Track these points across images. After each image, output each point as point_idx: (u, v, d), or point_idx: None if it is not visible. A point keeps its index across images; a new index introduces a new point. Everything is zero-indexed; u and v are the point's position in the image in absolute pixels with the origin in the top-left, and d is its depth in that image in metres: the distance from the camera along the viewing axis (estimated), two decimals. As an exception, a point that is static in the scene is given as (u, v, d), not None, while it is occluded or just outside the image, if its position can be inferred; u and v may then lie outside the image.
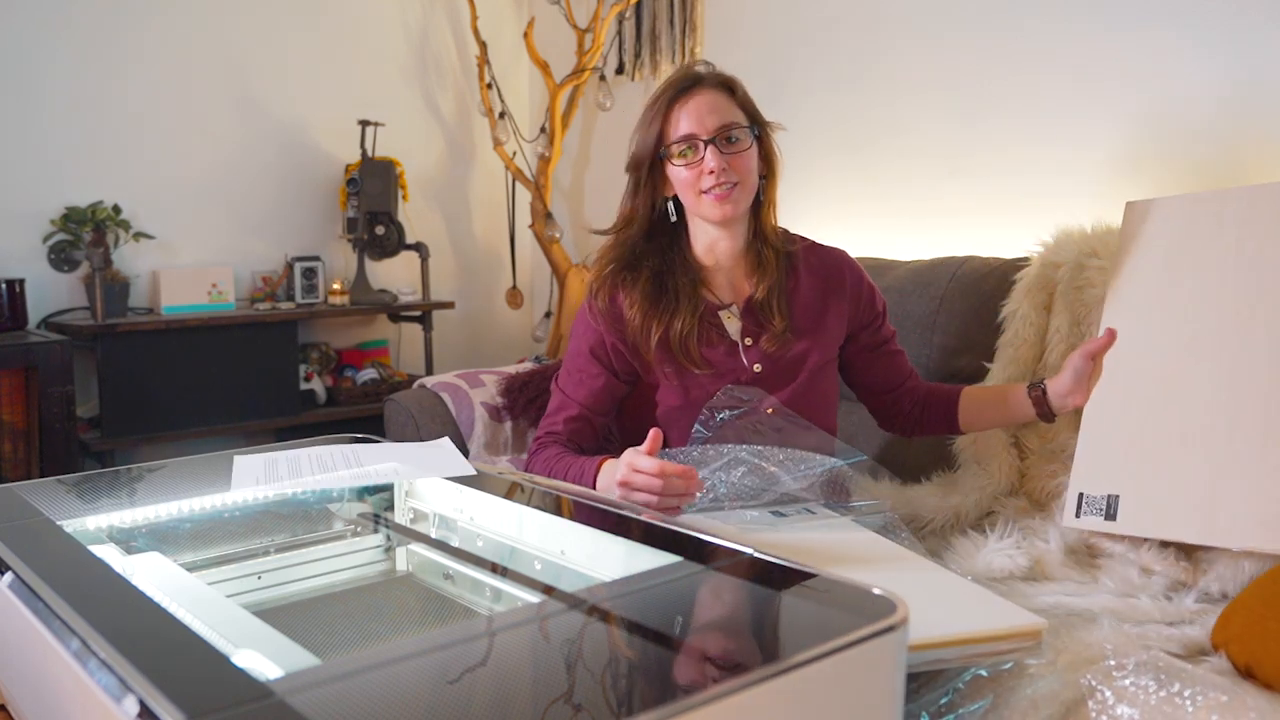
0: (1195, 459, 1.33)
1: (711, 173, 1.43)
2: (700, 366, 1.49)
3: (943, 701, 1.01)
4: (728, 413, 1.46)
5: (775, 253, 1.53)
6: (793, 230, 1.62)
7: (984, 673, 1.02)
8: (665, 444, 1.54)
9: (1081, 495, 1.42)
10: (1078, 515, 1.42)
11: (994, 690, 1.01)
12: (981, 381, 1.74)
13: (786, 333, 1.51)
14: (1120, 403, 1.43)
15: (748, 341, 1.52)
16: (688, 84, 1.47)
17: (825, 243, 1.62)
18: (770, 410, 1.46)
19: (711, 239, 1.51)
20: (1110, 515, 1.39)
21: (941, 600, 1.10)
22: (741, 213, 1.48)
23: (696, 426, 1.45)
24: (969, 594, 1.14)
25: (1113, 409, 1.44)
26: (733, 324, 1.53)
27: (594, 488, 1.40)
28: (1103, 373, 1.45)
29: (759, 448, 1.40)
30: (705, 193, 1.45)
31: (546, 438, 1.55)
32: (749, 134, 1.47)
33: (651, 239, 1.53)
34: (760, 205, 1.52)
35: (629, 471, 1.27)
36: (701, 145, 1.44)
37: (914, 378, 1.64)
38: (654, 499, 1.25)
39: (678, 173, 1.47)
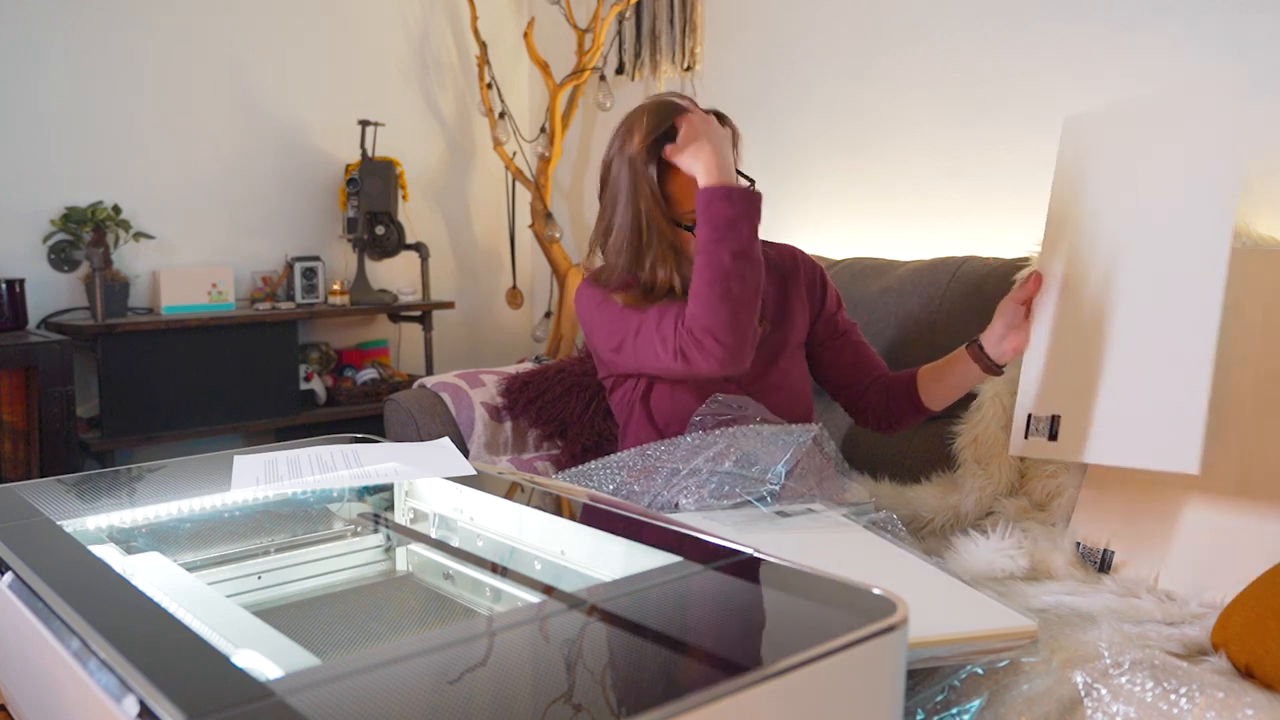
0: (1118, 379, 1.31)
1: None
2: None
3: (939, 699, 1.01)
4: (712, 420, 1.47)
5: None
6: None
7: (979, 670, 1.02)
8: (660, 434, 1.57)
9: (1030, 417, 1.40)
10: (1026, 436, 1.39)
11: (990, 688, 1.01)
12: (982, 382, 1.74)
13: (763, 321, 1.55)
14: (1061, 322, 1.40)
15: None
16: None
17: (774, 240, 1.67)
18: (759, 420, 1.47)
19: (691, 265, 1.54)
20: (1053, 436, 1.37)
21: (937, 600, 1.11)
22: None
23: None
24: (964, 595, 1.14)
25: (1057, 330, 1.41)
26: None
27: (711, 197, 1.37)
28: (1046, 288, 1.42)
29: (740, 430, 1.43)
30: None
31: (675, 326, 1.44)
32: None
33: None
34: None
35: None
36: None
37: (881, 369, 1.66)
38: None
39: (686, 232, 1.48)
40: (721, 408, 1.48)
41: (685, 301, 1.46)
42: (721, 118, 1.51)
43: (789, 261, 1.64)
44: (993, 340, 1.46)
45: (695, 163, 1.38)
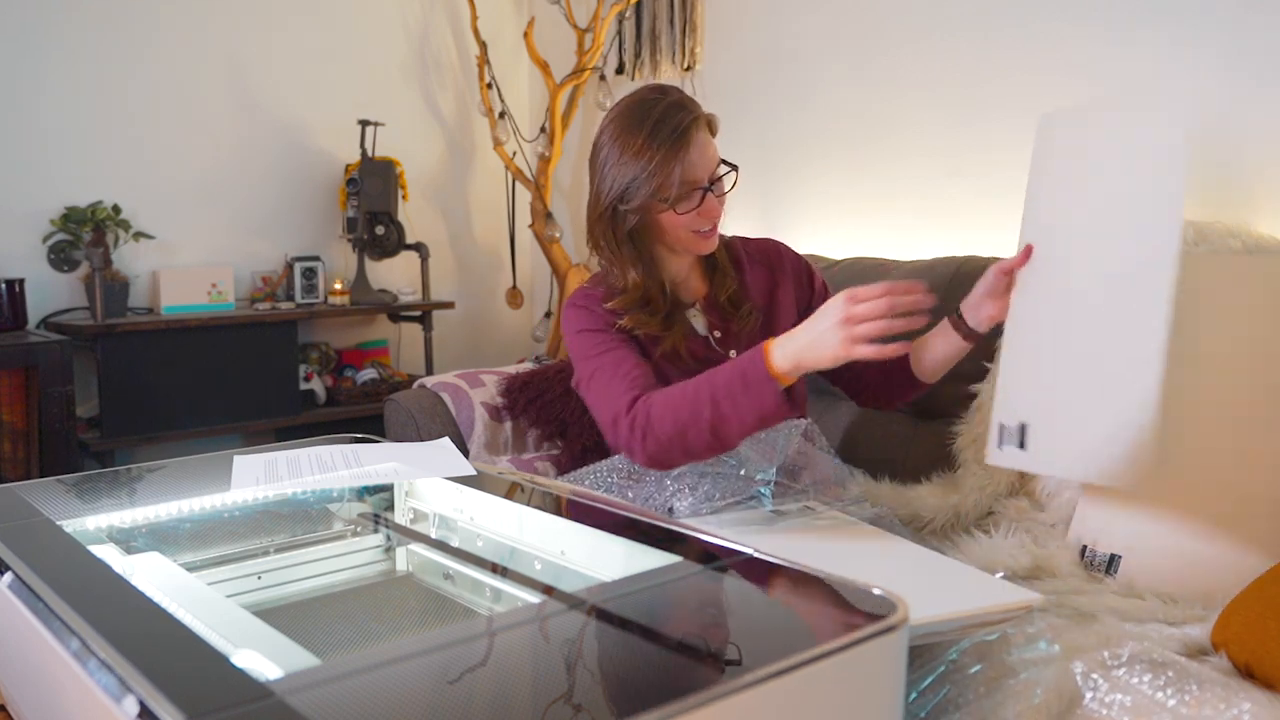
0: (1074, 388, 1.28)
1: (713, 218, 1.47)
2: (688, 362, 1.52)
3: (944, 692, 1.01)
4: None
5: (723, 256, 1.60)
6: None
7: (979, 668, 1.02)
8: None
9: (1001, 426, 1.34)
10: (999, 446, 1.34)
11: (990, 678, 1.01)
12: (982, 382, 1.74)
13: (753, 312, 1.57)
14: (1030, 326, 1.37)
15: (717, 334, 1.56)
16: (685, 125, 1.43)
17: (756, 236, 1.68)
18: None
19: (679, 258, 1.55)
20: (1022, 444, 1.32)
21: (937, 582, 1.12)
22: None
23: None
24: (965, 575, 1.16)
25: (1025, 332, 1.37)
26: (699, 321, 1.57)
27: (769, 372, 1.26)
28: (1021, 292, 1.38)
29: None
30: (698, 232, 1.47)
31: (639, 391, 1.38)
32: (730, 174, 1.49)
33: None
34: None
35: (850, 306, 1.20)
36: (702, 192, 1.44)
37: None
38: (883, 324, 1.19)
39: (672, 216, 1.45)
40: None
41: (636, 352, 1.45)
42: (691, 105, 1.48)
43: (775, 257, 1.65)
44: (970, 306, 1.43)
45: (806, 334, 1.26)
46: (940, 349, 1.52)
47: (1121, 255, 1.26)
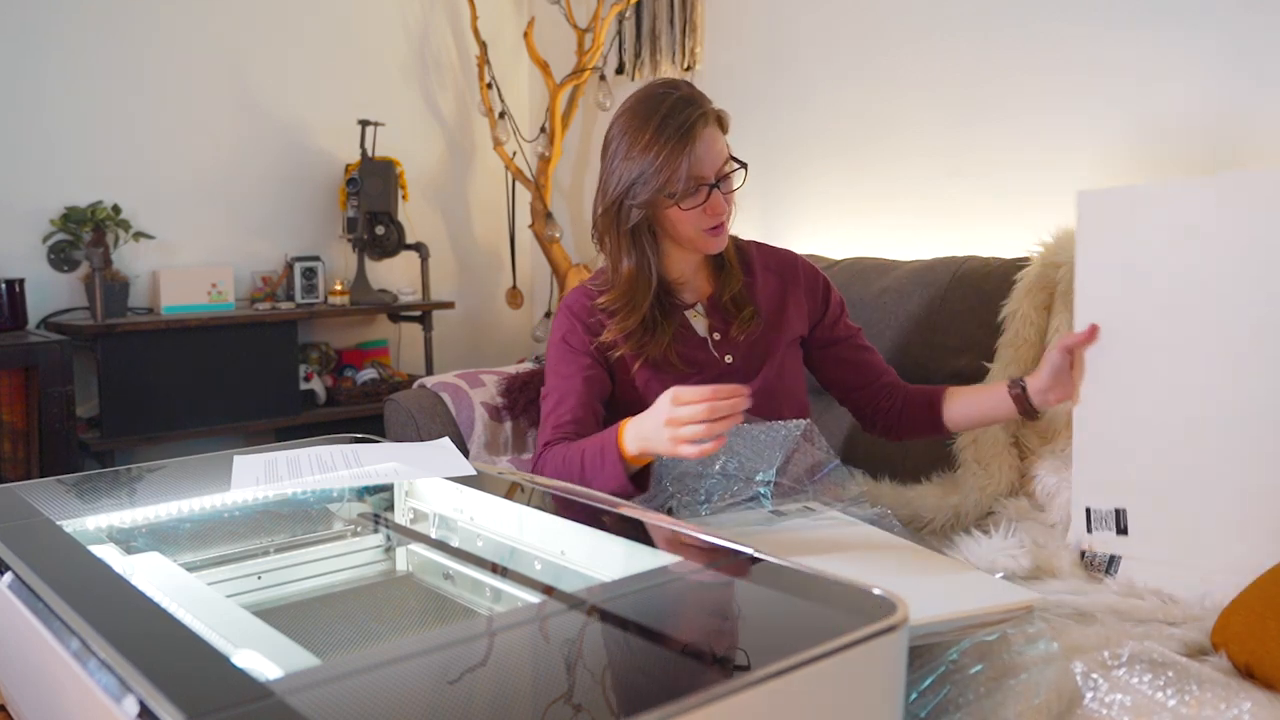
0: (1184, 471, 1.30)
1: (720, 214, 1.45)
2: (679, 366, 1.51)
3: (944, 692, 1.01)
4: None
5: (732, 257, 1.58)
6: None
7: (979, 668, 1.02)
8: None
9: (1090, 510, 1.37)
10: (1089, 530, 1.36)
11: (990, 678, 1.01)
12: (981, 381, 1.74)
13: (755, 318, 1.54)
14: (1113, 405, 1.38)
15: (716, 336, 1.55)
16: (692, 119, 1.42)
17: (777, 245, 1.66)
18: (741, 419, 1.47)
19: (685, 256, 1.53)
20: (1122, 530, 1.34)
21: (938, 582, 1.13)
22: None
23: None
24: (964, 574, 1.17)
25: (1106, 412, 1.38)
26: (699, 322, 1.56)
27: (621, 453, 1.32)
28: (1088, 372, 1.40)
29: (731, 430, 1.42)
30: (705, 230, 1.46)
31: (552, 438, 1.51)
32: (739, 171, 1.47)
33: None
34: None
35: (673, 408, 1.22)
36: (707, 189, 1.43)
37: (890, 375, 1.64)
38: (703, 428, 1.20)
39: (679, 212, 1.44)
40: None
41: (592, 389, 1.49)
42: (701, 100, 1.47)
43: (789, 269, 1.62)
44: (1039, 388, 1.43)
45: (645, 423, 1.30)
46: (986, 412, 1.52)
47: (1216, 332, 1.29)
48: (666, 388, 1.49)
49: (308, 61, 3.08)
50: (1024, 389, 1.46)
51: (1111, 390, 1.38)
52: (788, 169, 2.60)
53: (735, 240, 1.60)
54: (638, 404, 1.51)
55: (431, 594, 1.26)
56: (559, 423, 1.49)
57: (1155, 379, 1.34)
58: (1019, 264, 1.80)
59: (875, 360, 1.64)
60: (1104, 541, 1.36)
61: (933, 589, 1.13)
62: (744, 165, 1.47)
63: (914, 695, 0.99)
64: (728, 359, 1.53)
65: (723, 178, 1.45)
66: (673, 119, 1.41)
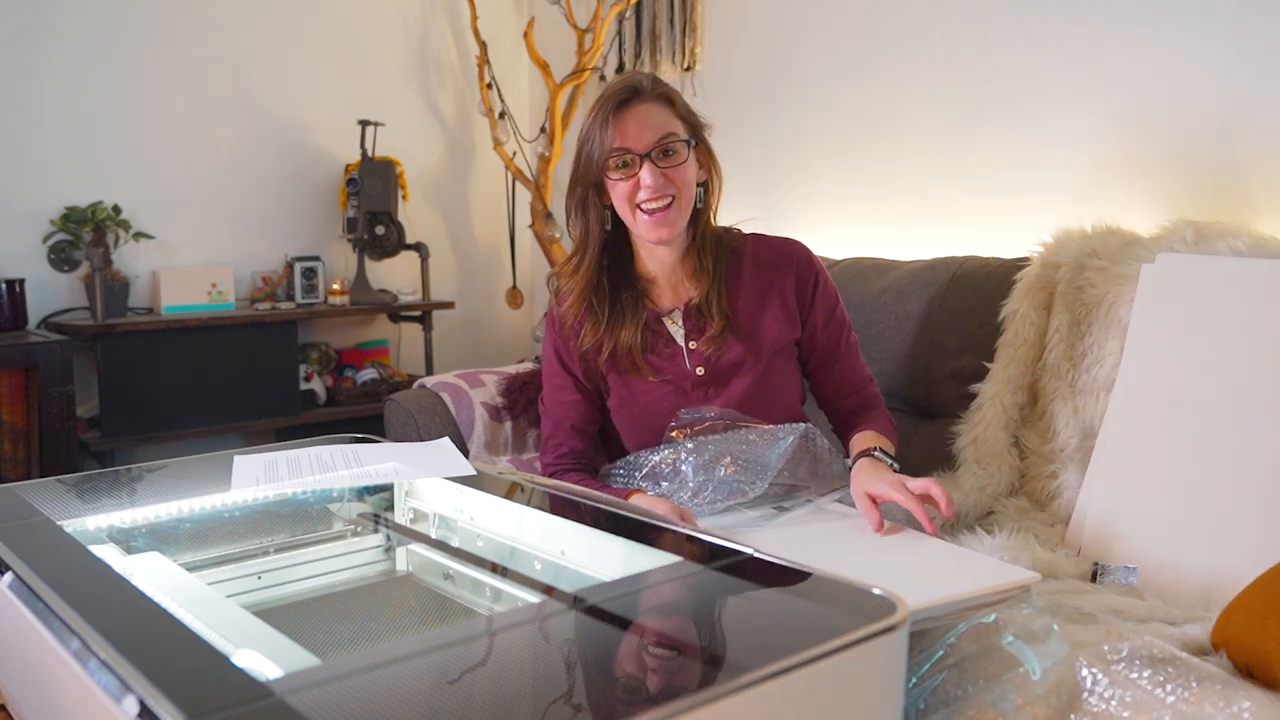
0: (1203, 531, 1.32)
1: (648, 187, 1.42)
2: (646, 374, 1.51)
3: (937, 680, 1.01)
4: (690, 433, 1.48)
5: (715, 258, 1.53)
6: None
7: (978, 657, 1.02)
8: (625, 451, 1.57)
9: (1102, 566, 1.39)
10: (1098, 581, 1.38)
11: (989, 671, 1.01)
12: (981, 382, 1.74)
13: (724, 333, 1.50)
14: (1133, 465, 1.40)
15: (692, 345, 1.52)
16: (626, 96, 1.44)
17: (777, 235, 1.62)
18: (735, 425, 1.47)
19: (650, 251, 1.52)
20: (1131, 584, 1.36)
21: (936, 564, 1.14)
22: (679, 231, 1.48)
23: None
24: (962, 557, 1.18)
25: (1125, 469, 1.41)
26: (676, 329, 1.54)
27: None
28: (1110, 435, 1.44)
29: (730, 435, 1.43)
30: (642, 210, 1.44)
31: (556, 465, 1.56)
32: (686, 146, 1.45)
33: (604, 254, 1.52)
34: (699, 213, 1.52)
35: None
36: (637, 160, 1.42)
37: (854, 397, 1.59)
38: None
39: (615, 187, 1.46)
40: (694, 418, 1.48)
41: (579, 411, 1.57)
42: (643, 80, 1.47)
43: (782, 258, 1.56)
44: (856, 486, 1.36)
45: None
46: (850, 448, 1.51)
47: (1258, 398, 1.31)
48: (635, 395, 1.52)
49: (308, 61, 3.08)
50: (851, 468, 1.41)
51: (1139, 449, 1.41)
52: (788, 169, 2.60)
53: (728, 236, 1.57)
54: (617, 407, 1.55)
55: (431, 594, 1.26)
56: (558, 454, 1.57)
57: (1178, 444, 1.37)
58: (1019, 264, 1.80)
59: (840, 379, 1.59)
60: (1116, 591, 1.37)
61: (931, 571, 1.14)
62: (690, 142, 1.46)
63: (913, 680, 1.00)
64: (699, 371, 1.51)
65: (658, 151, 1.43)
66: (610, 95, 1.46)
